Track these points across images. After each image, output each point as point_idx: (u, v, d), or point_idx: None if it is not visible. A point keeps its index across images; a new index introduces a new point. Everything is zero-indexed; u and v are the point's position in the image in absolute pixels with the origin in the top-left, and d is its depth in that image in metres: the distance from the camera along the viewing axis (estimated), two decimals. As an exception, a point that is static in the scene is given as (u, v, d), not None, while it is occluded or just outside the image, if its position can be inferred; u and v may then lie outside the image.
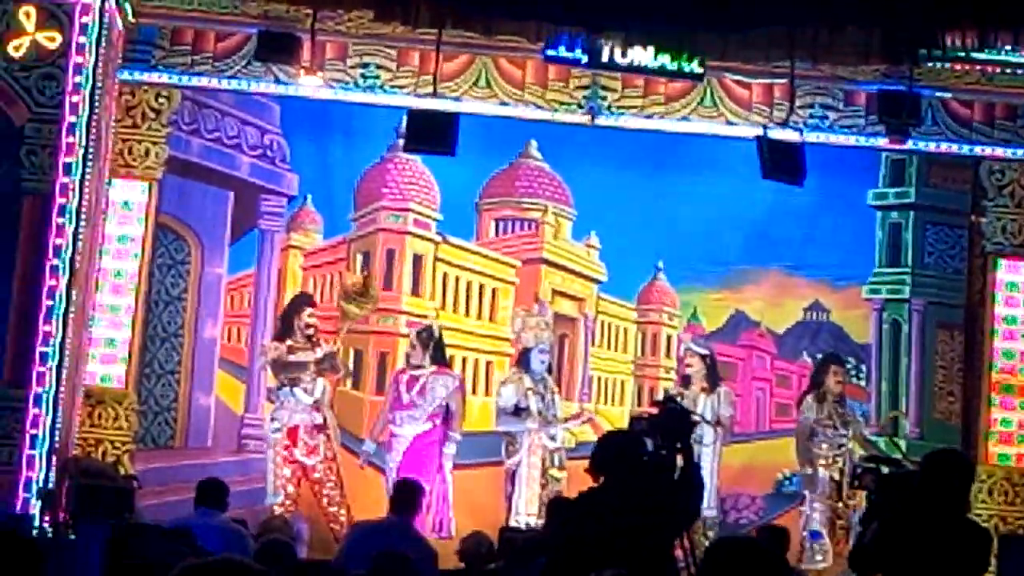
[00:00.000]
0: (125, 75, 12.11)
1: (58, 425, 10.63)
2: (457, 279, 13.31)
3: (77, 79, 10.77)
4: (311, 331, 12.84)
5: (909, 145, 12.54)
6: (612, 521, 6.55)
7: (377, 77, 12.35)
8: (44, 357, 10.50)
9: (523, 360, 13.08)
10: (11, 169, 10.67)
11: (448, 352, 13.05)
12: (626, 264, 13.36)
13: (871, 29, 11.15)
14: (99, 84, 10.97)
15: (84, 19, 10.81)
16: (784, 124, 12.12)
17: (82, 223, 10.83)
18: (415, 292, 13.22)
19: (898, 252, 13.43)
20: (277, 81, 12.24)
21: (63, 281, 10.62)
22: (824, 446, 13.05)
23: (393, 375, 13.01)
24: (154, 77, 12.26)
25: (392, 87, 12.34)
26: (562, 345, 13.41)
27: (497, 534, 9.67)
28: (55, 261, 10.60)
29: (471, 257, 13.37)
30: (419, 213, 13.29)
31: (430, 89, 11.93)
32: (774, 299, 13.44)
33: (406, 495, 8.88)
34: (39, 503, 10.34)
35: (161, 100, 12.44)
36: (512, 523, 12.10)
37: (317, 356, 12.79)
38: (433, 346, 12.97)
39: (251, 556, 7.03)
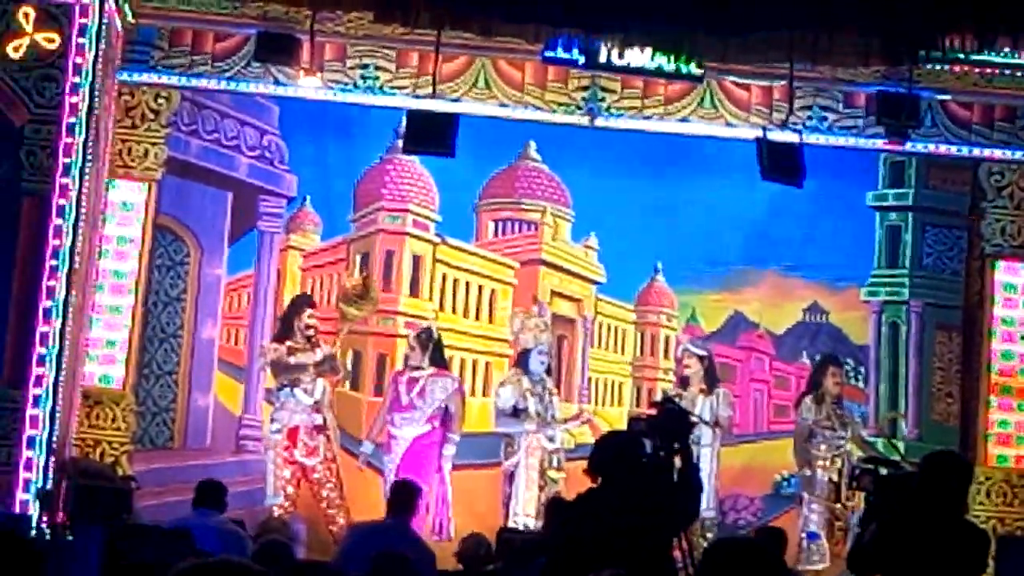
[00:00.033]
0: (124, 76, 12.09)
1: (56, 426, 10.62)
2: (456, 280, 13.30)
3: (76, 80, 10.76)
4: (311, 332, 12.83)
5: (908, 147, 12.54)
6: (611, 522, 6.55)
7: (376, 78, 12.34)
8: (43, 358, 10.49)
9: (522, 361, 13.07)
10: (10, 169, 10.67)
11: (447, 353, 13.05)
12: (625, 265, 13.35)
13: (870, 31, 11.14)
14: (98, 85, 10.96)
15: (83, 20, 10.80)
16: (783, 125, 12.11)
17: (81, 224, 10.82)
18: (414, 293, 13.21)
19: (897, 253, 13.43)
20: (276, 82, 12.23)
21: (62, 282, 10.60)
22: (822, 447, 13.04)
23: (392, 376, 12.99)
24: (153, 78, 12.25)
25: (391, 88, 12.33)
26: (561, 346, 13.40)
27: (495, 535, 9.67)
28: (54, 262, 10.59)
29: (470, 258, 13.36)
30: (418, 214, 13.28)
31: (429, 90, 11.91)
32: (773, 300, 13.42)
33: (404, 496, 8.86)
34: (37, 504, 10.33)
35: (160, 101, 12.44)
36: (511, 524, 12.08)
37: (317, 358, 12.77)
38: (432, 348, 12.95)
39: (249, 557, 7.03)
